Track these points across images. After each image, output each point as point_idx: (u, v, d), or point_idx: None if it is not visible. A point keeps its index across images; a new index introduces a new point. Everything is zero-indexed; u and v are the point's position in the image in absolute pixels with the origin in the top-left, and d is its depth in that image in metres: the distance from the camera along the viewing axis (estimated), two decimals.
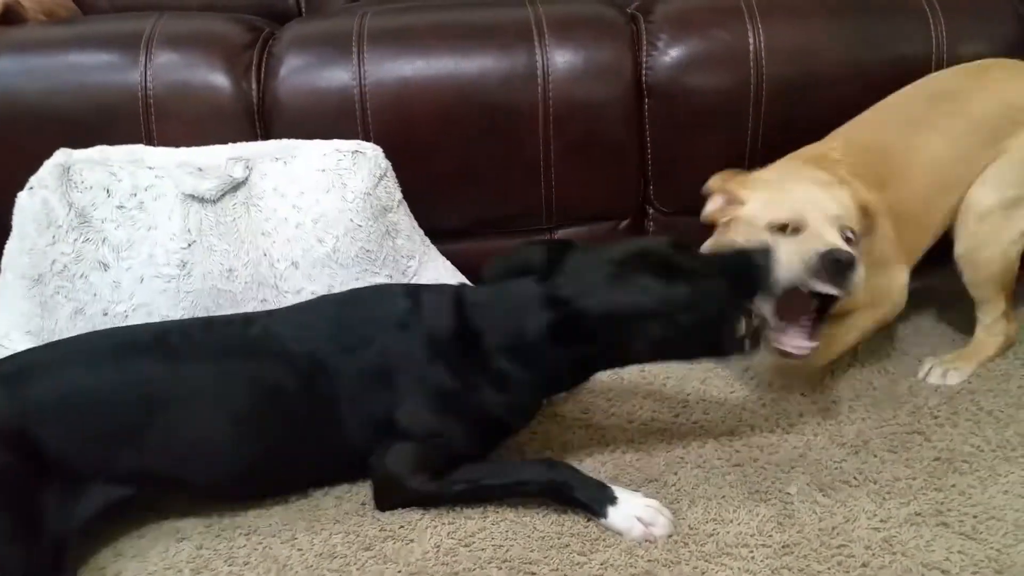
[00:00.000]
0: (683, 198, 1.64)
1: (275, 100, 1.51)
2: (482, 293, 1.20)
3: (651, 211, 1.67)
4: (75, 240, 1.32)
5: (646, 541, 1.06)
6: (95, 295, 1.32)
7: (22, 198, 1.37)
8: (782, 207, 1.23)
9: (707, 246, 1.35)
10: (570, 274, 1.14)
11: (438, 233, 1.56)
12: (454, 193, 1.56)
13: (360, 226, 1.38)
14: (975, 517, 1.09)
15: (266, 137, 1.50)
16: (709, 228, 1.37)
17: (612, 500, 1.09)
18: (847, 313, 1.36)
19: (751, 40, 1.49)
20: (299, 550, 1.08)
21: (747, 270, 1.14)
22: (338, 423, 1.13)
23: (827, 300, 1.21)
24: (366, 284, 1.36)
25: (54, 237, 1.33)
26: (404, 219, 1.46)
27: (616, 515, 1.08)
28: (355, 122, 1.49)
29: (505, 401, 1.16)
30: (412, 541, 1.08)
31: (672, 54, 1.52)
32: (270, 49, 1.56)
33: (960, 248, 1.40)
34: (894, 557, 1.03)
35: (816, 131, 1.52)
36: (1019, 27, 1.56)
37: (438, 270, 1.48)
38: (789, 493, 1.15)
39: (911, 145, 1.39)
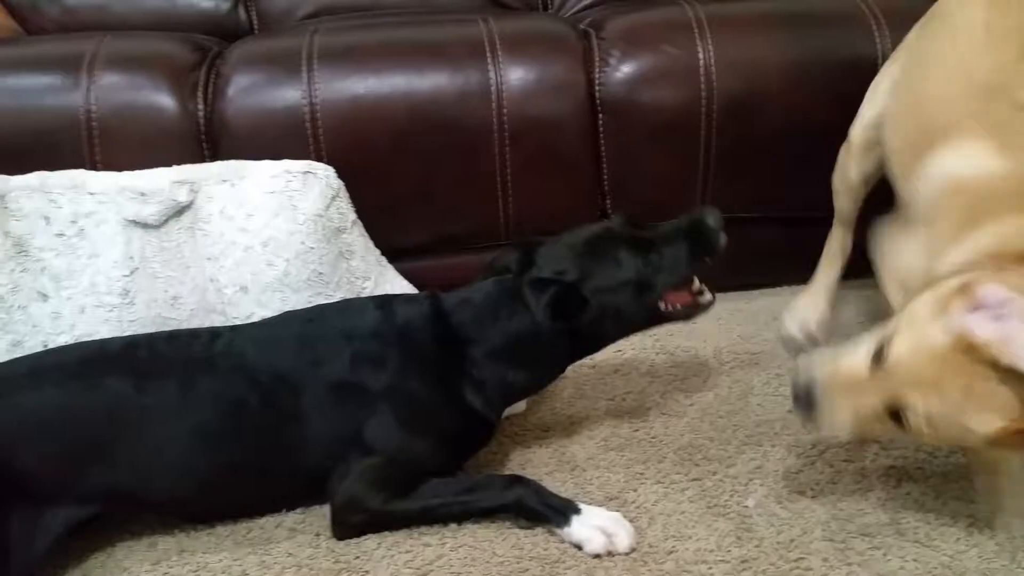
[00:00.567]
0: (640, 211, 1.65)
1: (223, 121, 1.49)
2: (460, 296, 1.21)
3: None
4: (12, 271, 1.27)
5: (607, 556, 1.06)
6: (34, 327, 1.28)
7: None
8: None
9: None
10: (547, 262, 1.19)
11: (396, 252, 1.54)
12: (411, 211, 1.55)
13: (312, 248, 1.36)
14: (928, 524, 1.10)
15: (214, 159, 1.47)
16: None
17: (576, 511, 1.09)
18: None
19: (701, 55, 1.51)
20: None
21: (701, 234, 1.21)
22: (304, 441, 1.11)
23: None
24: None
25: None
26: (358, 240, 1.44)
27: (579, 526, 1.08)
28: (306, 142, 1.47)
29: (482, 406, 1.17)
30: (367, 573, 1.06)
31: (624, 70, 1.53)
32: (217, 69, 1.53)
33: None
34: (851, 568, 1.04)
35: (768, 143, 1.55)
36: None
37: (395, 290, 1.46)
38: (747, 506, 1.15)
39: None
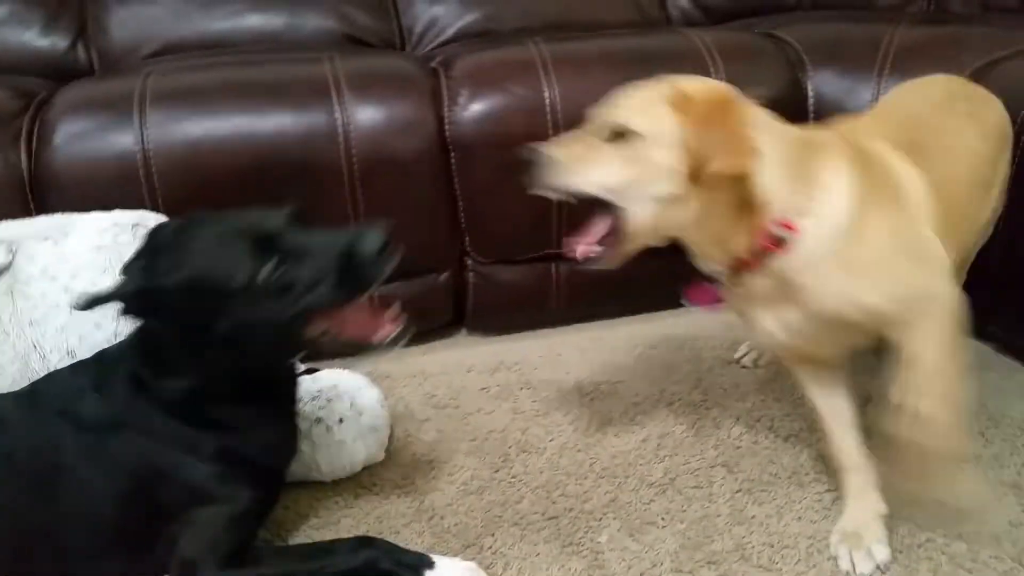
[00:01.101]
0: (498, 248, 1.66)
1: (49, 171, 1.40)
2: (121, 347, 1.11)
3: (470, 262, 1.66)
4: None
5: None
6: None
7: None
8: None
9: None
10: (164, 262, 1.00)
11: None
12: None
13: None
14: (772, 547, 1.14)
15: (41, 212, 1.38)
16: None
17: (429, 565, 1.06)
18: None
19: (547, 93, 1.53)
20: None
21: (351, 260, 0.96)
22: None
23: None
24: None
25: None
26: None
27: None
28: (140, 189, 1.40)
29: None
30: None
31: (473, 108, 1.53)
32: (42, 116, 1.44)
33: None
34: None
35: None
36: (790, 71, 1.70)
37: None
38: (600, 542, 1.16)
39: (946, 126, 1.20)
